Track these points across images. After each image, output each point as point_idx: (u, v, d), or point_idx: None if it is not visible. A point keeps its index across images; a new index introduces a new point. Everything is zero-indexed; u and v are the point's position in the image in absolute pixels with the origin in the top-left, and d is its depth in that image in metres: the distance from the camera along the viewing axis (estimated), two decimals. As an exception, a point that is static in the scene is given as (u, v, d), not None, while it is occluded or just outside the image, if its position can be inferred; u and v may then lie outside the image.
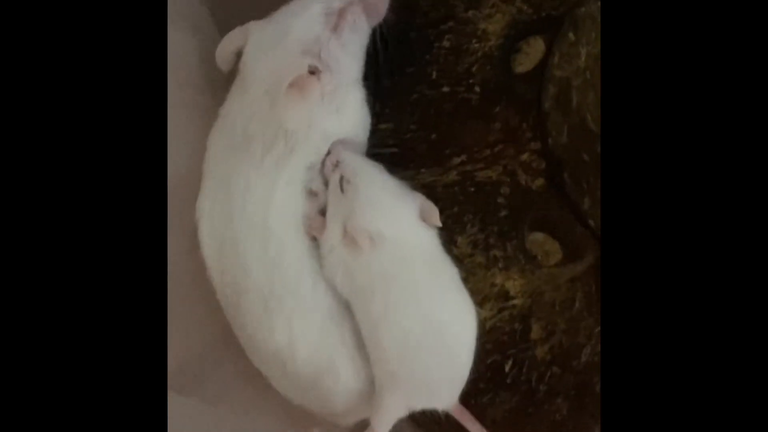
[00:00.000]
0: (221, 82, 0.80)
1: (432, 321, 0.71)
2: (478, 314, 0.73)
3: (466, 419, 0.75)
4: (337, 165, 0.72)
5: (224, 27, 0.77)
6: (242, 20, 0.75)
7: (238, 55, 0.75)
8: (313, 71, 0.71)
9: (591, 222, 0.73)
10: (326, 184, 0.73)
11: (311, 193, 0.73)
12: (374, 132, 0.78)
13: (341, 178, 0.71)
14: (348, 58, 0.74)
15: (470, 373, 0.73)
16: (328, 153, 0.73)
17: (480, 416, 0.76)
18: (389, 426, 0.72)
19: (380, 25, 0.75)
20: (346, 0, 0.73)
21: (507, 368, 0.77)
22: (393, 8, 0.75)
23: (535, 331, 0.76)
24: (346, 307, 0.73)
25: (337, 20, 0.72)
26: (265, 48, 0.72)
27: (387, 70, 0.78)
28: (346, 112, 0.74)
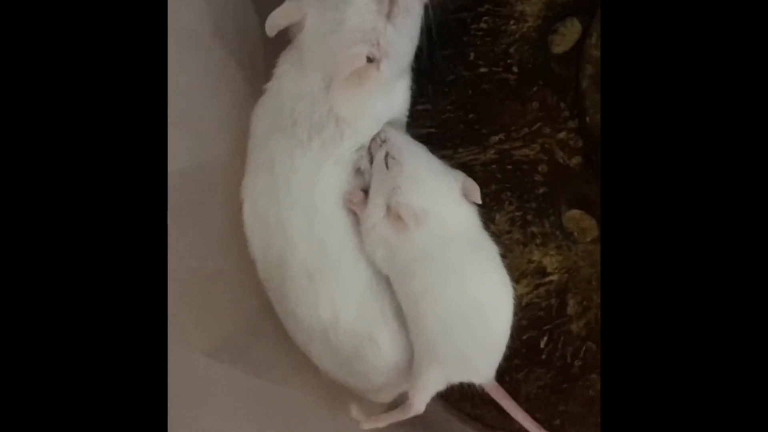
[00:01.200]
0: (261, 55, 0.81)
1: (471, 297, 0.72)
2: (515, 290, 0.74)
3: (500, 396, 0.75)
4: (383, 143, 0.73)
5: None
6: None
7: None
8: (371, 59, 0.71)
9: (628, 197, 0.74)
10: (371, 162, 0.73)
11: (358, 171, 0.74)
12: (412, 113, 0.78)
13: (386, 155, 0.72)
14: (404, 43, 0.73)
15: (506, 349, 0.74)
16: (377, 133, 0.74)
17: (514, 392, 0.77)
18: (428, 398, 0.73)
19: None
20: None
21: (542, 344, 0.78)
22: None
23: (571, 307, 0.77)
24: (387, 282, 0.74)
25: (389, 6, 0.71)
26: (323, 33, 0.72)
27: (424, 53, 0.78)
28: (396, 97, 0.76)
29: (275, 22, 0.74)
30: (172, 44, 0.66)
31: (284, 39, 0.76)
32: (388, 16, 0.71)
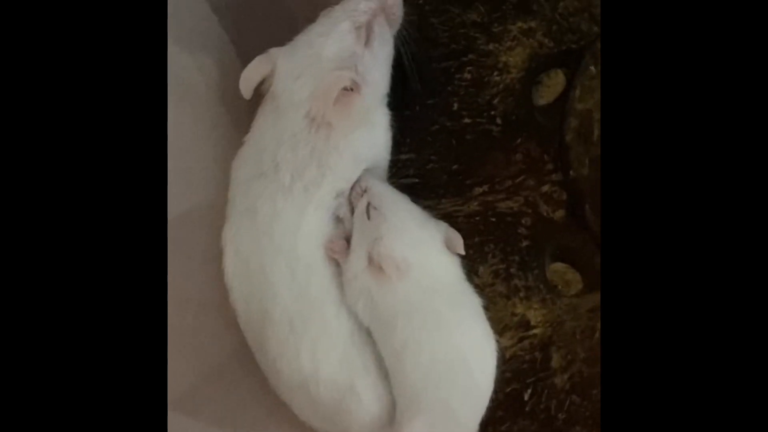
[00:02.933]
0: (243, 111, 0.81)
1: (455, 350, 0.71)
2: (499, 343, 0.74)
3: (484, 449, 0.75)
4: (364, 192, 0.73)
5: (244, 54, 0.78)
6: (262, 46, 0.76)
7: (261, 82, 0.75)
8: (352, 87, 0.72)
9: (612, 252, 0.73)
10: (353, 211, 0.73)
11: (338, 220, 0.74)
12: (396, 162, 0.78)
13: (368, 205, 0.72)
14: (380, 71, 0.75)
15: (490, 401, 0.73)
16: (357, 182, 0.74)
17: (499, 444, 0.76)
18: (409, 454, 0.72)
19: (405, 56, 0.77)
20: (370, 12, 0.74)
21: (526, 396, 0.78)
22: (414, 40, 0.76)
23: (555, 360, 0.77)
24: (368, 333, 0.73)
25: (366, 33, 0.73)
26: (299, 72, 0.73)
27: (408, 101, 0.79)
28: (377, 131, 0.76)
29: (248, 78, 0.75)
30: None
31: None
32: (366, 44, 0.73)
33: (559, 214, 0.76)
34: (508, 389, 0.77)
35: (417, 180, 0.79)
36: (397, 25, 0.77)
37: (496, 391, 0.74)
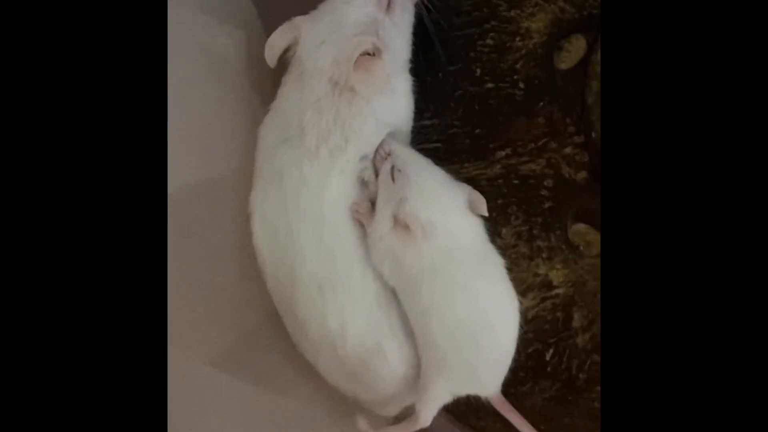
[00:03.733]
0: (267, 80, 0.83)
1: (478, 310, 0.73)
2: (521, 304, 0.75)
3: (506, 410, 0.76)
4: (388, 156, 0.74)
5: (270, 25, 0.79)
6: (287, 16, 0.77)
7: (284, 51, 0.77)
8: (374, 52, 0.74)
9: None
10: (377, 174, 0.75)
11: (363, 183, 0.75)
12: (419, 128, 0.80)
13: (392, 168, 0.73)
14: (401, 37, 0.77)
15: (512, 362, 0.75)
16: (380, 146, 0.75)
17: (520, 405, 0.77)
18: (435, 411, 0.74)
19: (427, 23, 0.78)
20: None
21: (548, 357, 0.79)
22: (437, 8, 0.78)
23: (577, 320, 0.78)
24: (394, 295, 0.75)
25: (387, 1, 0.75)
26: (322, 38, 0.75)
27: (431, 68, 0.80)
28: (399, 97, 0.77)
29: (274, 45, 0.77)
30: (181, 61, 0.68)
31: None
32: (386, 10, 0.76)
33: (581, 175, 0.77)
34: (530, 350, 0.79)
35: (440, 145, 0.80)
36: None
37: (518, 352, 0.75)
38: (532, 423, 0.77)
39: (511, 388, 0.77)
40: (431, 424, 0.79)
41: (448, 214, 0.73)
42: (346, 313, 0.74)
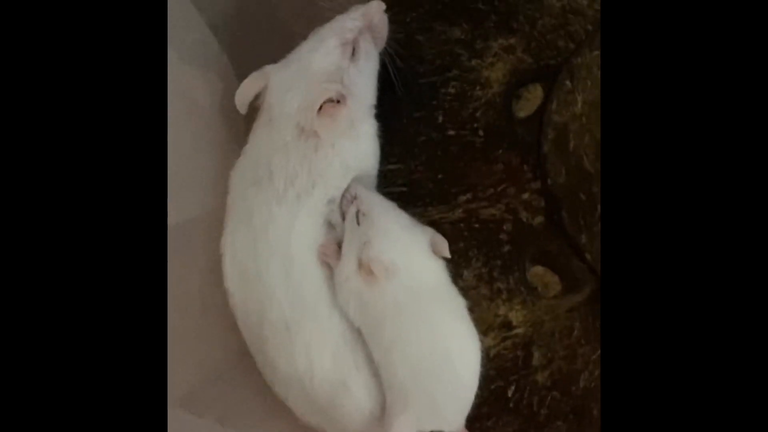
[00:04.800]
0: (240, 124, 0.85)
1: (439, 349, 0.75)
2: (483, 343, 0.77)
3: (470, 444, 0.78)
4: (354, 199, 0.77)
5: (243, 74, 0.82)
6: (258, 65, 0.80)
7: (255, 97, 0.80)
8: (338, 99, 0.77)
9: (588, 256, 0.77)
10: (344, 218, 0.77)
11: (330, 225, 0.77)
12: (384, 172, 0.82)
13: (358, 212, 0.76)
14: (366, 84, 0.80)
15: (475, 398, 0.77)
16: (347, 190, 0.78)
17: (484, 439, 0.79)
18: (399, 447, 0.76)
19: (391, 71, 0.81)
20: (356, 30, 0.79)
21: (510, 393, 0.81)
22: (401, 57, 0.81)
23: (536, 358, 0.80)
24: (359, 333, 0.77)
25: (352, 49, 0.78)
26: (289, 85, 0.78)
27: (396, 114, 0.83)
28: (363, 141, 0.80)
29: (244, 92, 0.80)
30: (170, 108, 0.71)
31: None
32: (351, 58, 0.78)
33: (538, 220, 0.80)
34: (493, 386, 0.81)
35: (405, 189, 0.83)
36: (382, 43, 0.81)
37: (481, 388, 0.77)
38: (500, 456, 0.79)
39: (475, 423, 0.79)
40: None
41: (411, 255, 0.76)
42: (313, 351, 0.76)
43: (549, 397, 0.81)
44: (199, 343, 0.83)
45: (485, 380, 0.78)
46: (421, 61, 0.84)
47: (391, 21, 0.81)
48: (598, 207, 0.76)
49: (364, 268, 0.74)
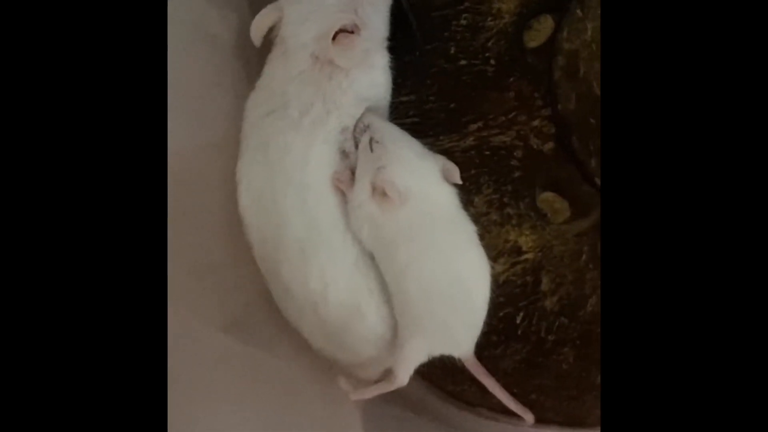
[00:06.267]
0: (254, 59, 0.87)
1: (451, 272, 0.76)
2: (493, 269, 0.78)
3: (479, 372, 0.80)
4: (367, 128, 0.78)
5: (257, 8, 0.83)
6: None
7: (270, 31, 0.81)
8: (352, 30, 0.78)
9: (597, 180, 0.79)
10: (357, 145, 0.78)
11: (344, 153, 0.79)
12: (396, 104, 0.83)
13: (371, 140, 0.77)
14: (379, 16, 0.81)
15: (484, 326, 0.78)
16: (360, 119, 0.79)
17: (493, 367, 0.81)
18: (411, 370, 0.77)
19: (405, 4, 0.83)
20: None
21: (518, 320, 0.83)
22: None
23: (545, 284, 0.82)
24: (372, 259, 0.78)
25: None
26: (304, 16, 0.79)
27: (409, 47, 0.84)
28: (376, 72, 0.81)
29: (258, 26, 0.81)
30: (178, 39, 0.72)
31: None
32: None
33: (549, 146, 0.81)
34: (502, 313, 0.83)
35: (417, 119, 0.84)
36: None
37: (490, 316, 0.78)
38: (505, 385, 0.81)
39: (484, 351, 0.81)
40: (410, 391, 0.83)
41: (423, 181, 0.77)
42: (327, 275, 0.77)
43: (557, 323, 0.83)
44: (234, 269, 0.84)
45: (495, 307, 0.79)
46: (434, -6, 0.85)
47: (405, -46, 0.83)
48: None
49: (378, 191, 0.75)
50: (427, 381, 0.90)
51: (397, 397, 0.82)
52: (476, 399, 0.87)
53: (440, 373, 0.84)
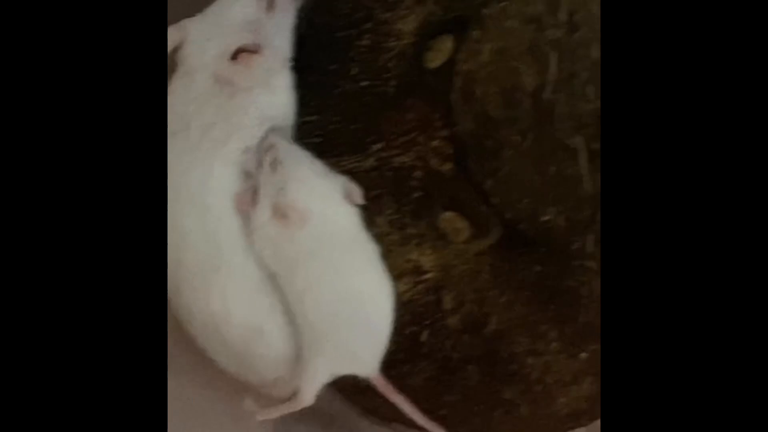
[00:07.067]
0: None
1: (351, 292, 0.77)
2: (396, 288, 0.79)
3: (388, 390, 0.81)
4: (269, 148, 0.78)
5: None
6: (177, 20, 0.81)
7: (173, 51, 0.81)
8: (254, 49, 0.79)
9: (493, 200, 0.79)
10: (259, 166, 0.79)
11: (246, 174, 0.79)
12: (301, 124, 0.84)
13: (273, 160, 0.77)
14: (282, 36, 0.82)
15: (390, 344, 0.79)
16: (263, 139, 0.79)
17: (402, 384, 0.81)
18: (315, 390, 0.78)
19: (306, 25, 0.84)
20: None
21: (423, 338, 0.83)
22: (318, 11, 0.84)
23: (447, 302, 0.82)
24: (274, 280, 0.78)
25: (269, 2, 0.81)
26: (206, 36, 0.80)
27: (312, 67, 0.84)
28: (278, 92, 0.82)
29: None
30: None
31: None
32: (268, 11, 0.81)
33: (447, 166, 0.81)
34: (407, 332, 0.83)
35: (321, 140, 0.84)
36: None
37: (396, 334, 0.79)
38: (415, 401, 0.81)
39: (392, 369, 0.81)
40: (324, 407, 0.83)
41: (324, 202, 0.78)
42: (228, 297, 0.78)
43: (461, 341, 0.83)
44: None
45: (400, 326, 0.80)
46: (338, 15, 0.85)
47: (310, -23, 0.84)
48: (502, 152, 0.78)
49: (279, 213, 0.76)
50: (341, 397, 0.90)
51: (311, 413, 0.82)
52: (390, 414, 0.87)
53: (354, 389, 0.84)
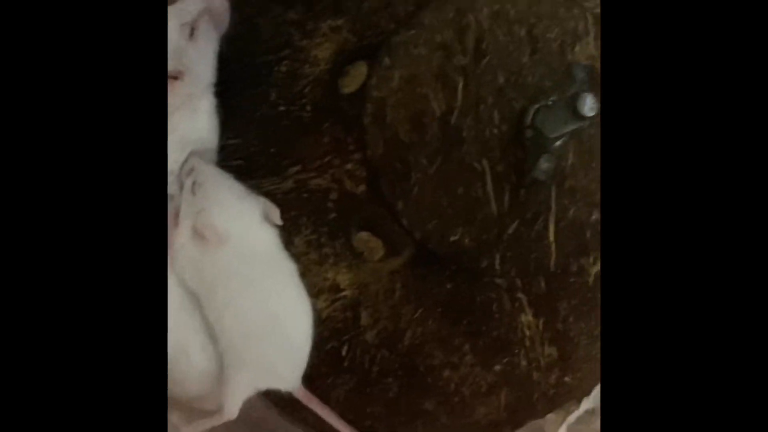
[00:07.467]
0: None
1: (270, 310, 0.79)
2: (315, 305, 0.82)
3: (312, 402, 0.83)
4: (191, 171, 0.81)
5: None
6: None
7: None
8: (176, 76, 0.81)
9: (404, 221, 0.82)
10: (181, 189, 0.81)
11: (168, 197, 0.81)
12: (224, 147, 0.86)
13: (194, 183, 0.80)
14: (204, 62, 0.84)
15: (313, 358, 0.82)
16: (184, 162, 0.82)
17: (326, 397, 0.84)
18: (238, 404, 0.80)
19: (229, 51, 0.86)
20: (196, 12, 0.84)
21: (344, 353, 0.86)
22: (239, 37, 0.86)
23: (364, 318, 0.85)
24: (196, 299, 0.81)
25: (191, 29, 0.83)
26: None
27: (234, 92, 0.87)
28: (200, 116, 0.85)
29: None
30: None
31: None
32: (190, 39, 0.83)
33: (361, 188, 0.84)
34: (328, 347, 0.85)
35: (242, 162, 0.87)
36: (224, 27, 0.86)
37: (318, 349, 0.82)
38: (341, 413, 0.84)
39: (315, 382, 0.84)
40: (258, 417, 0.86)
41: (243, 223, 0.80)
42: None
43: (378, 356, 0.86)
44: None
45: (321, 341, 0.83)
46: (259, 41, 0.88)
47: (232, 5, 0.86)
48: (412, 174, 0.81)
49: (198, 235, 0.78)
50: (275, 407, 0.92)
51: (245, 423, 0.85)
52: (319, 425, 0.89)
53: (284, 401, 0.86)
